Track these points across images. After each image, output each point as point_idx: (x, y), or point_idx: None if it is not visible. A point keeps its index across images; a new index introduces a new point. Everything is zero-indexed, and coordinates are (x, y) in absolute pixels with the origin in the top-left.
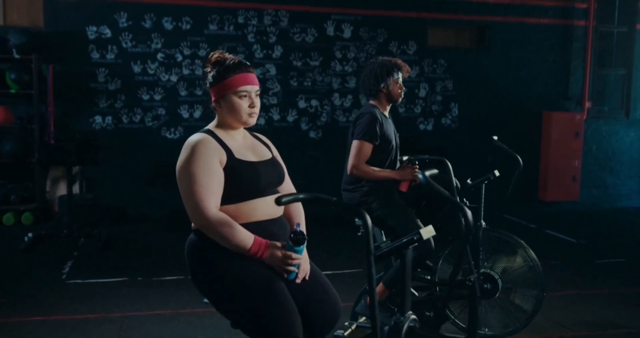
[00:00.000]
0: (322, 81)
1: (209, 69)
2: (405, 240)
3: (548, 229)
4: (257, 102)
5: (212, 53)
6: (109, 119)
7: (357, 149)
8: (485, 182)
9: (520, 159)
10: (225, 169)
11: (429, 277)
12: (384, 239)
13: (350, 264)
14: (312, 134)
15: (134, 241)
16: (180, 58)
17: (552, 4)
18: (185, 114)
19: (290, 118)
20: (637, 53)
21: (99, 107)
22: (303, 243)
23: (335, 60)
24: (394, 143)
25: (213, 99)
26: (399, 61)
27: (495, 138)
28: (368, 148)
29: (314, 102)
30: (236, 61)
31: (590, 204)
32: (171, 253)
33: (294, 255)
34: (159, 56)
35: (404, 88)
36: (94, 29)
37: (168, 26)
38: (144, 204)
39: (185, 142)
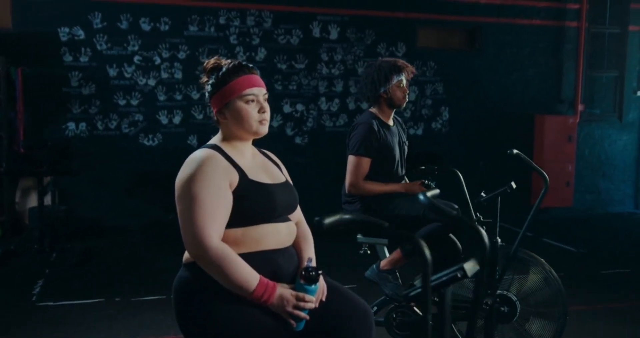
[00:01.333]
0: (307, 84)
1: (205, 79)
2: (447, 277)
3: (545, 237)
4: (267, 107)
5: (206, 61)
6: (82, 125)
7: (353, 166)
8: (501, 195)
9: (546, 176)
10: (235, 192)
11: (437, 299)
12: (387, 255)
13: (350, 278)
14: (297, 140)
15: (110, 256)
16: (158, 61)
17: (543, 5)
18: (164, 120)
19: (274, 123)
20: (630, 55)
21: (72, 113)
22: (317, 282)
23: (321, 62)
24: (396, 153)
25: (215, 110)
26: (401, 62)
27: (515, 151)
28: (365, 162)
29: (299, 107)
30: (236, 63)
31: (583, 210)
32: (151, 270)
33: (307, 297)
34: (136, 58)
35: (407, 91)
36: (67, 30)
37: (145, 27)
38: (122, 215)
39: (187, 158)
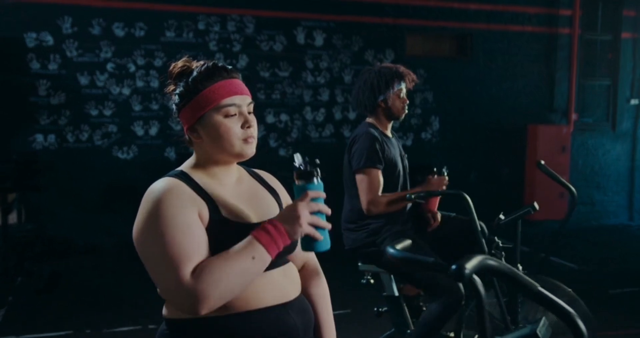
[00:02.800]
0: (292, 93)
1: (172, 87)
2: None
3: (542, 252)
4: (253, 120)
5: (173, 63)
6: (51, 137)
7: (365, 182)
8: (523, 218)
9: (574, 191)
10: (207, 230)
11: (452, 335)
12: (394, 287)
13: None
14: (282, 152)
15: (81, 279)
16: (133, 68)
17: (535, 11)
18: (140, 132)
19: (257, 134)
20: (623, 62)
21: (40, 124)
22: (318, 175)
23: (306, 70)
24: (400, 167)
25: (185, 127)
26: (402, 68)
27: (542, 162)
28: (376, 174)
29: (283, 117)
30: (210, 64)
31: (577, 222)
32: (126, 295)
33: (314, 193)
34: (109, 66)
35: (407, 101)
36: (34, 35)
37: (119, 33)
38: (94, 234)
39: (145, 193)
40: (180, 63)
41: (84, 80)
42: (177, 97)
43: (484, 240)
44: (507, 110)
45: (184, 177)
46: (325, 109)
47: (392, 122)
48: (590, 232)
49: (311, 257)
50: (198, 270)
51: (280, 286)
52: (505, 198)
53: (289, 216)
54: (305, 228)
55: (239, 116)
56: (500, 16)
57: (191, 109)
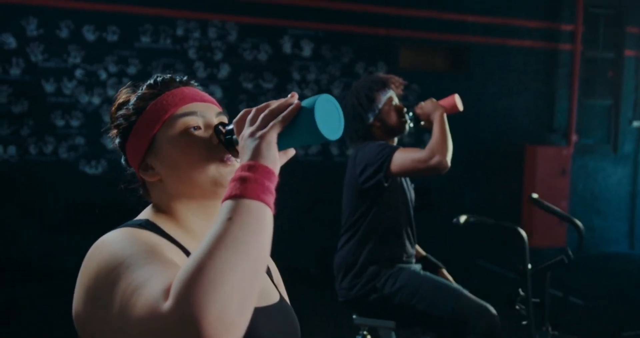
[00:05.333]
0: None
1: (114, 130)
2: None
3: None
4: None
5: (115, 98)
6: (12, 149)
7: (405, 153)
8: (555, 268)
9: (579, 224)
10: None
11: None
12: None
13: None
14: None
15: (40, 306)
16: (104, 76)
17: (536, 26)
18: (110, 145)
19: None
20: (626, 81)
21: (0, 134)
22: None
23: (292, 82)
24: (407, 189)
25: (135, 168)
26: (381, 75)
27: (535, 195)
28: (400, 151)
29: None
30: (155, 77)
31: (576, 249)
32: None
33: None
34: (78, 72)
35: (404, 108)
36: None
37: (89, 37)
38: (56, 255)
39: (88, 253)
40: (122, 94)
41: (49, 87)
42: (122, 122)
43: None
44: (504, 129)
45: (151, 227)
46: None
47: (395, 140)
48: (590, 260)
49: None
50: (171, 288)
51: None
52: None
53: (242, 140)
54: (262, 124)
55: (205, 129)
56: (498, 29)
57: (136, 138)
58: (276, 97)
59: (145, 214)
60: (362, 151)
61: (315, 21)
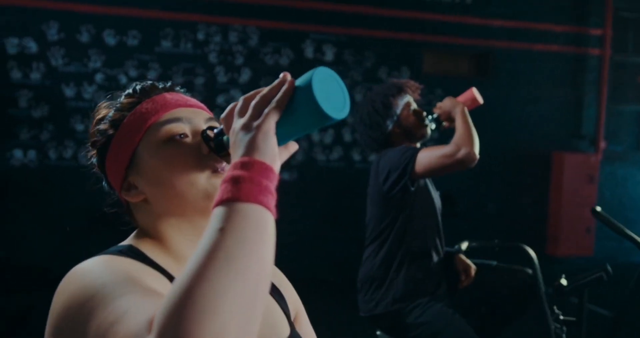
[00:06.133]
0: None
1: (92, 151)
2: None
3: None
4: None
5: (94, 113)
6: (32, 154)
7: (429, 151)
8: (593, 284)
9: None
10: None
11: None
12: None
13: None
14: (285, 176)
15: None
16: (124, 80)
17: (563, 30)
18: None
19: None
20: None
21: (19, 139)
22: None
23: None
24: (433, 195)
25: (116, 185)
26: (396, 81)
27: (599, 208)
28: (423, 150)
29: None
30: (137, 86)
31: (605, 259)
32: None
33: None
34: (98, 77)
35: (423, 112)
36: (15, 41)
37: (110, 41)
38: (75, 262)
39: (61, 282)
40: (102, 110)
41: (69, 91)
42: (98, 137)
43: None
44: (530, 136)
45: (133, 253)
46: (334, 130)
47: (418, 144)
48: (617, 270)
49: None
50: (154, 320)
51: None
52: (526, 232)
53: (233, 135)
54: (255, 114)
55: (193, 137)
56: (524, 34)
57: (114, 154)
58: None
59: (130, 239)
60: (384, 158)
61: (337, 26)
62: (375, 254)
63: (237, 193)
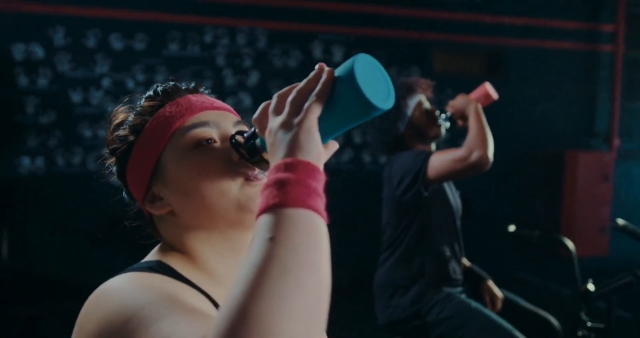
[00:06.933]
0: None
1: (111, 158)
2: None
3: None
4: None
5: (111, 118)
6: (39, 161)
7: (441, 156)
8: (623, 290)
9: None
10: None
11: None
12: None
13: None
14: None
15: (66, 325)
16: (131, 85)
17: (575, 27)
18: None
19: None
20: None
21: (27, 146)
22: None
23: None
24: (451, 198)
25: (139, 196)
26: (406, 80)
27: (621, 222)
28: (435, 154)
29: None
30: (158, 87)
31: (620, 259)
32: None
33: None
34: (105, 82)
35: (436, 110)
36: (22, 47)
37: (117, 45)
38: (85, 270)
39: (88, 301)
40: (119, 114)
41: (76, 97)
42: (117, 144)
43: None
44: (542, 134)
45: (164, 270)
46: (345, 133)
47: (432, 145)
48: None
49: None
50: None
51: None
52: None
53: (270, 135)
54: (295, 108)
55: (222, 142)
56: (535, 31)
57: (136, 162)
58: None
59: (155, 254)
60: (397, 162)
61: (346, 25)
62: (389, 259)
63: (285, 198)
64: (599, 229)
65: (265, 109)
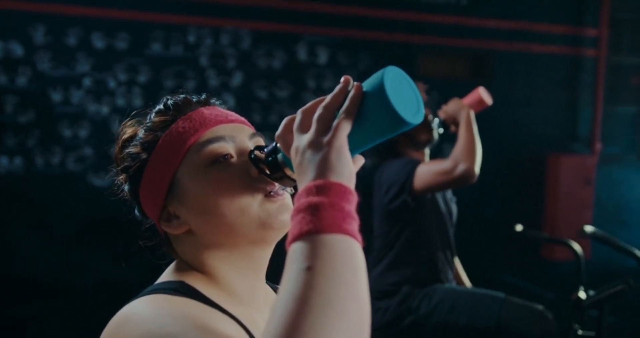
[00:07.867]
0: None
1: (121, 176)
2: None
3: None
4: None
5: (119, 133)
6: (18, 160)
7: (428, 167)
8: (615, 298)
9: (637, 254)
10: None
11: None
12: None
13: None
14: None
15: (47, 327)
16: (113, 84)
17: (559, 31)
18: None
19: None
20: None
21: (5, 145)
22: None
23: (307, 90)
24: (442, 206)
25: (154, 215)
26: None
27: (589, 229)
28: (422, 165)
29: None
30: (168, 101)
31: (602, 263)
32: None
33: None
34: (86, 81)
35: (431, 116)
36: (1, 45)
37: (98, 44)
38: (64, 273)
39: (109, 330)
40: (127, 128)
41: (56, 96)
42: (130, 161)
43: None
44: (525, 137)
45: (189, 292)
46: None
47: (425, 152)
48: (613, 275)
49: None
50: None
51: None
52: (522, 235)
53: (297, 155)
54: (321, 128)
55: (239, 157)
56: (521, 35)
57: (150, 181)
58: (291, 106)
59: (174, 274)
60: (387, 170)
61: (331, 27)
62: (380, 266)
63: (319, 224)
64: (579, 234)
65: (289, 125)
